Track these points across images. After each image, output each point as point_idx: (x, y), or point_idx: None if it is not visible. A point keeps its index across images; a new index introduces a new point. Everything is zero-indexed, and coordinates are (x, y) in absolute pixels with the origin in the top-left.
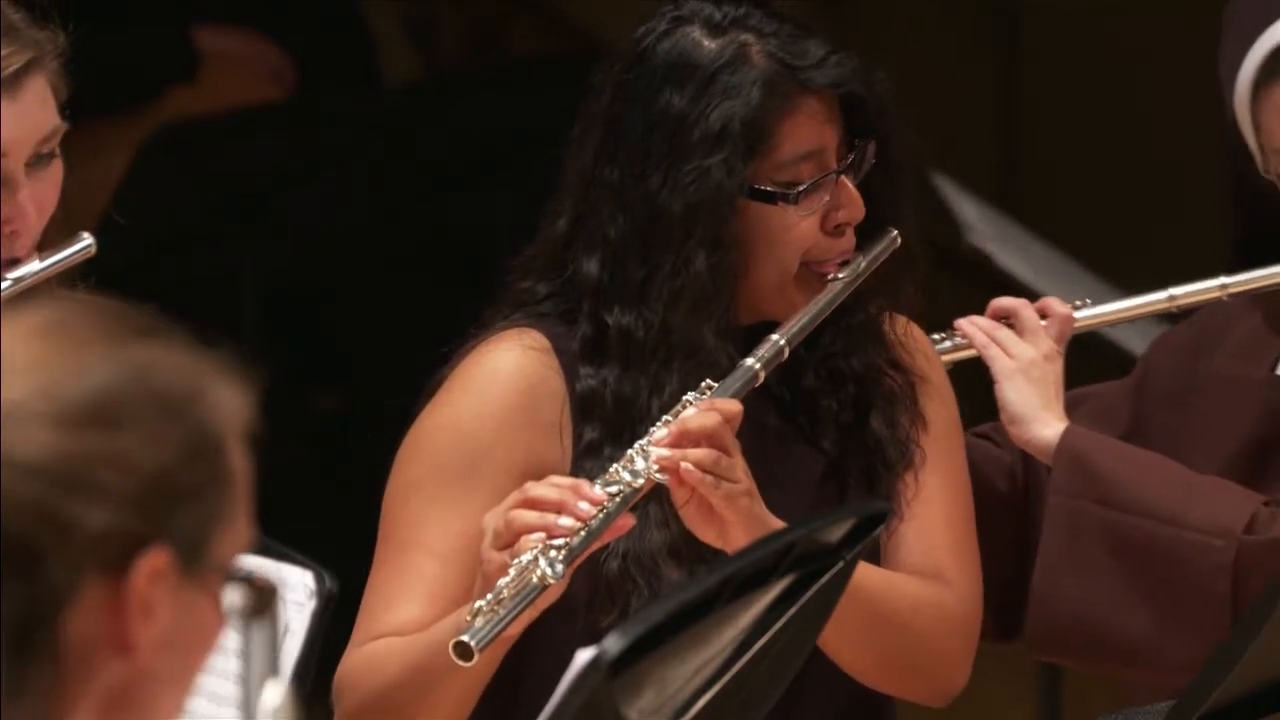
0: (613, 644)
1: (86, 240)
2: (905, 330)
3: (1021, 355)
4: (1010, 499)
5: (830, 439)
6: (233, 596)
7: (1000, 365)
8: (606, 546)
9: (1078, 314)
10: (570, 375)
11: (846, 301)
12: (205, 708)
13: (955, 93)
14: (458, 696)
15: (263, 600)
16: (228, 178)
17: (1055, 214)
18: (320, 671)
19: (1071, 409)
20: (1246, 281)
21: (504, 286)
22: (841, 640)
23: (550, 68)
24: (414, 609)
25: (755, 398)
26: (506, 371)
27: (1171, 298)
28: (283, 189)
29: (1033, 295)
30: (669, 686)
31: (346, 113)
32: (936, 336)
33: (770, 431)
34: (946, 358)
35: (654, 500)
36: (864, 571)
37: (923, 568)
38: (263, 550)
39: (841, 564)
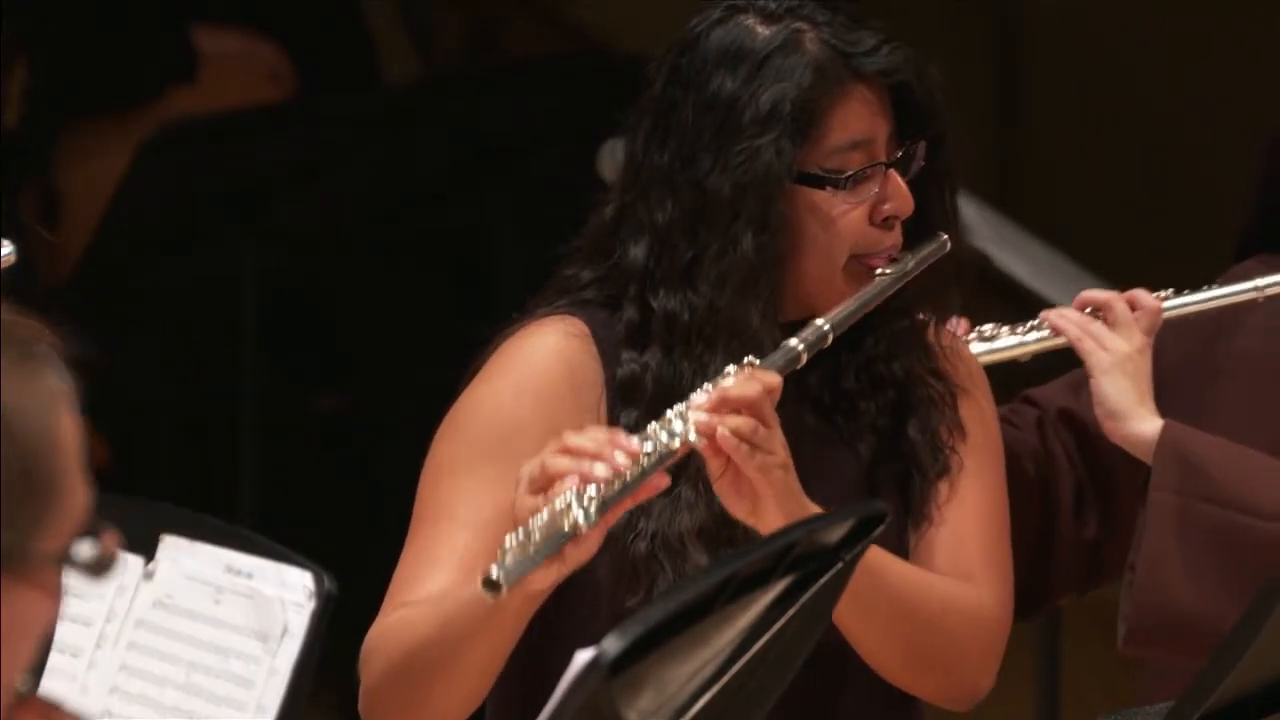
0: (612, 644)
1: (6, 249)
2: (950, 341)
3: (1117, 349)
4: (1033, 480)
5: (866, 442)
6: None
7: (1097, 360)
8: (635, 527)
9: (1164, 304)
10: (609, 362)
11: (892, 306)
12: (205, 708)
13: (955, 93)
14: (484, 658)
15: (103, 562)
16: (228, 178)
17: (1055, 214)
18: (320, 672)
19: (1079, 390)
20: None
21: (551, 274)
22: (869, 633)
23: (550, 68)
24: (444, 578)
25: (795, 398)
26: (545, 354)
27: (1258, 288)
28: (283, 189)
29: (1033, 295)
30: (668, 687)
31: (346, 113)
32: (1022, 327)
33: (808, 432)
34: (1031, 349)
35: (685, 483)
36: (895, 564)
37: (953, 570)
38: (263, 550)
39: (841, 564)
